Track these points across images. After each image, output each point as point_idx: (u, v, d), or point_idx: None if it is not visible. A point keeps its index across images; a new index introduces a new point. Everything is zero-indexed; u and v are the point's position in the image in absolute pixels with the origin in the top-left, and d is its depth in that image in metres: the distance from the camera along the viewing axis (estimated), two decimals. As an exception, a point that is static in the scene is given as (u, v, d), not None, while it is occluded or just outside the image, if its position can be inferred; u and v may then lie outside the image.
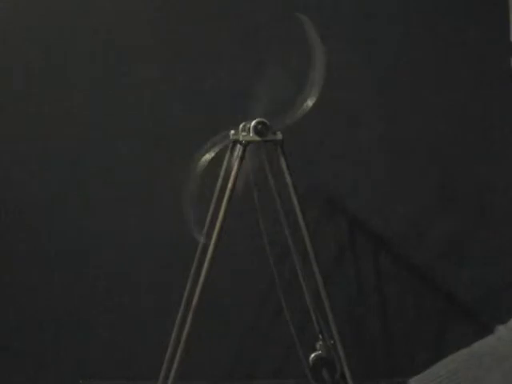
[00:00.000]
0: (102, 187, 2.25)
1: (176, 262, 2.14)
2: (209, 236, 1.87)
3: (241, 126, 1.84)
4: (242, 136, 1.83)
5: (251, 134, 1.82)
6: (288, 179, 1.84)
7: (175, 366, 1.83)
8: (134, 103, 2.23)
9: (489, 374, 0.93)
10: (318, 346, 2.03)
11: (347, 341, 1.91)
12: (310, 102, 1.79)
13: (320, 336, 2.02)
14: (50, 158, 2.26)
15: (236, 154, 1.84)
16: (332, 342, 1.96)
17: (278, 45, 2.20)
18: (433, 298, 2.26)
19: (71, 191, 2.26)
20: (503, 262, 2.24)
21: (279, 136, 1.83)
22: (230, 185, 1.82)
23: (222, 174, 1.90)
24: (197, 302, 1.82)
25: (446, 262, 2.25)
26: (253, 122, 1.81)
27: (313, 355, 2.04)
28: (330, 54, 2.20)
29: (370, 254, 2.26)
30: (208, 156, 1.79)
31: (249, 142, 1.82)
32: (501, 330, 1.00)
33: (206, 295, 1.82)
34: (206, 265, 1.82)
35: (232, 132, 1.86)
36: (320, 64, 1.78)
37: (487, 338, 0.98)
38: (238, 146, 1.83)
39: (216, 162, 1.82)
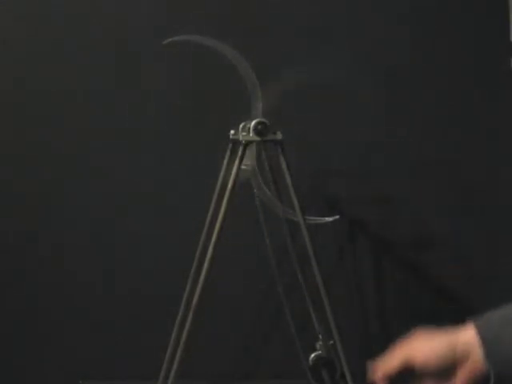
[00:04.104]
0: (101, 185, 2.25)
1: (176, 261, 2.14)
2: (209, 236, 1.88)
3: (241, 126, 1.84)
4: (242, 136, 1.83)
5: (251, 134, 1.82)
6: (288, 179, 1.84)
7: (175, 366, 1.83)
8: (134, 103, 2.23)
9: None
10: (317, 346, 2.03)
11: (347, 341, 1.91)
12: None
13: (320, 336, 2.02)
14: (49, 157, 2.26)
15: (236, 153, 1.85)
16: (332, 342, 1.96)
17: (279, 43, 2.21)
18: (433, 298, 2.26)
19: (70, 190, 2.26)
20: (504, 262, 2.24)
21: (279, 136, 1.84)
22: (229, 185, 1.83)
23: (221, 173, 1.90)
24: (197, 302, 1.82)
25: (446, 262, 2.25)
26: (253, 122, 1.82)
27: (313, 355, 2.04)
28: (329, 53, 2.22)
29: (370, 253, 2.26)
30: None
31: (249, 142, 1.83)
32: None
33: (206, 295, 1.82)
34: (205, 265, 1.82)
35: (232, 132, 1.86)
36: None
37: None
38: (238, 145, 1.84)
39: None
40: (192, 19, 2.20)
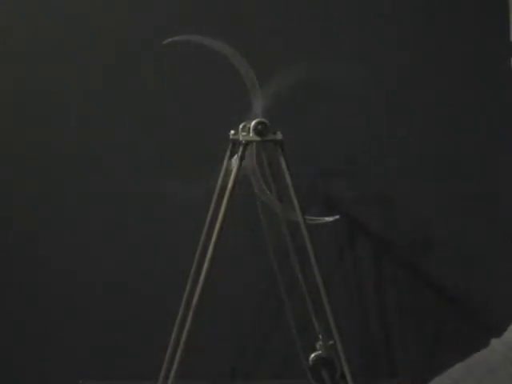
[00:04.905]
0: (101, 186, 2.25)
1: (176, 262, 2.14)
2: (209, 236, 1.88)
3: (241, 126, 1.84)
4: (242, 136, 1.83)
5: (251, 134, 1.82)
6: (288, 179, 1.84)
7: (175, 366, 1.83)
8: (134, 103, 2.23)
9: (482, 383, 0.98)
10: (317, 346, 2.03)
11: (347, 341, 1.91)
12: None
13: (320, 336, 2.02)
14: (49, 157, 2.26)
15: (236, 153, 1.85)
16: (331, 342, 1.96)
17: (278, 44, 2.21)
18: (433, 298, 2.26)
19: (70, 190, 2.26)
20: (504, 262, 2.24)
21: (279, 136, 1.84)
22: (229, 185, 1.83)
23: (221, 173, 1.90)
24: (197, 302, 1.82)
25: (446, 262, 2.25)
26: (253, 122, 1.82)
27: (313, 355, 2.04)
28: (329, 51, 2.22)
29: (370, 253, 2.26)
30: None
31: (249, 142, 1.83)
32: (494, 343, 1.06)
33: (206, 295, 1.82)
34: (205, 265, 1.82)
35: (232, 132, 1.86)
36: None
37: (482, 352, 1.05)
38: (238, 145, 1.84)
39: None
40: (192, 19, 2.20)
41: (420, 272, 2.26)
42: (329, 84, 2.22)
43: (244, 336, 2.28)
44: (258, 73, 1.86)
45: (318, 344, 2.03)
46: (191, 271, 1.94)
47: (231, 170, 1.83)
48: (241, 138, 1.83)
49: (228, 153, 1.90)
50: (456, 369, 1.06)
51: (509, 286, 2.22)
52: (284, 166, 1.84)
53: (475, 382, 1.00)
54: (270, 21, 2.23)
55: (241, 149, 1.83)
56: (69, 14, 2.25)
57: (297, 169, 1.87)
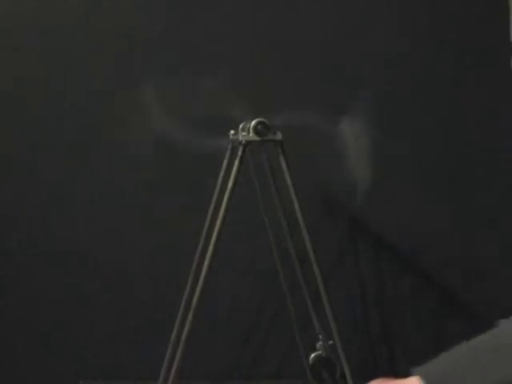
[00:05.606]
0: (101, 186, 2.25)
1: (176, 262, 2.14)
2: (209, 236, 1.88)
3: (241, 126, 1.84)
4: (242, 136, 1.83)
5: (251, 134, 1.82)
6: (288, 179, 1.84)
7: (175, 365, 1.83)
8: (134, 103, 2.23)
9: (489, 363, 0.97)
10: (317, 346, 2.03)
11: (347, 341, 1.91)
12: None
13: (320, 336, 2.02)
14: (49, 157, 2.26)
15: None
16: (331, 342, 1.96)
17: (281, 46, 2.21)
18: (433, 298, 2.26)
19: (70, 190, 2.26)
20: (505, 262, 2.24)
21: (279, 136, 1.84)
22: (229, 185, 1.83)
23: (221, 173, 1.90)
24: (197, 302, 1.82)
25: (446, 262, 2.25)
26: (253, 122, 1.81)
27: (313, 355, 2.04)
28: (330, 51, 2.22)
29: (370, 253, 2.26)
30: None
31: (249, 142, 1.82)
32: (503, 322, 1.06)
33: (206, 295, 1.82)
34: (205, 264, 1.82)
35: (232, 132, 1.86)
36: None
37: (490, 331, 1.04)
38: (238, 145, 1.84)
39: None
40: (192, 19, 2.20)
41: (420, 272, 2.26)
42: (329, 84, 2.22)
43: (244, 336, 2.28)
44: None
45: (318, 344, 2.03)
46: (191, 271, 1.94)
47: (231, 170, 1.83)
48: (241, 138, 1.83)
49: (228, 153, 1.89)
50: (461, 346, 1.06)
51: (509, 287, 2.22)
52: (284, 166, 1.84)
53: (483, 360, 1.00)
54: (272, 22, 2.23)
55: (241, 149, 1.82)
56: (69, 13, 2.25)
57: (297, 169, 1.87)
